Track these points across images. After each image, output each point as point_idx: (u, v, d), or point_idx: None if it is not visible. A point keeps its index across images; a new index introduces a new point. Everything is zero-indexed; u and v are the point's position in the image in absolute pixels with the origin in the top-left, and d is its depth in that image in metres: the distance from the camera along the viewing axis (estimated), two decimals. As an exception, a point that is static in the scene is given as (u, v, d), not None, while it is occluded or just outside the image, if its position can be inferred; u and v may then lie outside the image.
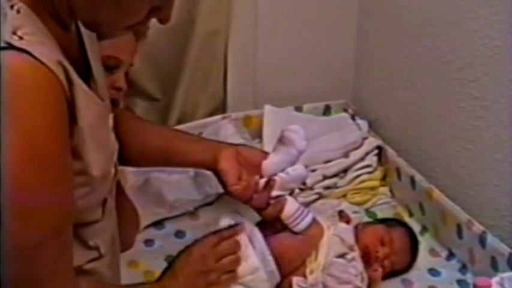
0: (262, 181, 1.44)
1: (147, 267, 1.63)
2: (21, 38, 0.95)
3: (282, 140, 1.49)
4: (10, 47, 0.94)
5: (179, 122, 2.01)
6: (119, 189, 1.64)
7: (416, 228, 1.75)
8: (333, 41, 2.13)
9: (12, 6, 0.99)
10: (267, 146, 1.91)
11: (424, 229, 1.77)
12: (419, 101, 1.86)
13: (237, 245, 1.41)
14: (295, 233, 1.48)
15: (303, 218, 1.48)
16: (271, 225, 1.51)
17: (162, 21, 1.10)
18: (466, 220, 1.61)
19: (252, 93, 2.08)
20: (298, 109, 2.09)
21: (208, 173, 1.72)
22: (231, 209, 1.79)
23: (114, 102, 1.59)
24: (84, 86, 1.08)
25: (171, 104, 2.02)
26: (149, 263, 1.65)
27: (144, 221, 1.76)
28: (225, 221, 1.48)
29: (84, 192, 1.11)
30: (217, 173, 1.47)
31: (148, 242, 1.73)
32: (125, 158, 1.45)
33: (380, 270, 1.53)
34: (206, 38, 1.96)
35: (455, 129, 1.72)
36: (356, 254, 1.52)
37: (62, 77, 0.99)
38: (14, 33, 0.96)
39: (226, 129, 1.97)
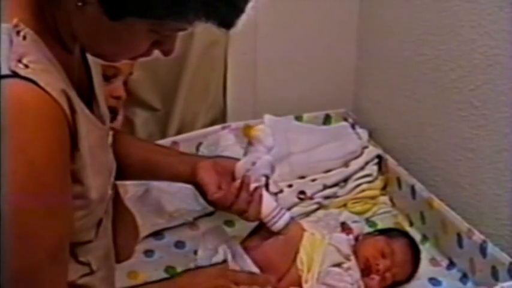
0: (238, 181, 1.46)
1: (147, 278, 1.62)
2: (26, 66, 0.95)
3: (250, 142, 1.52)
4: (15, 75, 0.93)
5: (179, 132, 2.00)
6: (118, 199, 1.65)
7: (416, 237, 1.75)
8: (332, 50, 2.13)
9: (18, 32, 0.98)
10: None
11: (425, 238, 1.76)
12: (420, 110, 1.85)
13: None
14: (276, 234, 1.50)
15: (280, 216, 1.50)
16: (260, 233, 1.54)
17: (165, 53, 1.11)
18: (466, 229, 1.60)
19: (252, 102, 2.08)
20: (298, 118, 2.08)
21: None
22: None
23: (113, 111, 1.58)
24: (87, 111, 1.09)
25: (170, 114, 2.02)
26: (149, 274, 1.64)
27: (143, 232, 1.75)
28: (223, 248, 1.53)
29: (81, 214, 1.12)
30: (197, 185, 1.49)
31: (148, 253, 1.72)
32: None
33: (377, 278, 1.53)
34: (205, 47, 1.96)
35: (456, 138, 1.71)
36: (352, 263, 1.53)
37: (65, 106, 0.99)
38: (19, 61, 0.95)
39: (226, 139, 1.97)
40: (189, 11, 0.98)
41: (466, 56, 1.62)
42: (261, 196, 1.48)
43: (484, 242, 1.55)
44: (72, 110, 1.01)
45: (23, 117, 0.94)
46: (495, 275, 1.51)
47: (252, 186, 1.46)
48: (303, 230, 1.56)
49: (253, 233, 1.58)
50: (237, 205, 1.46)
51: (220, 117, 2.08)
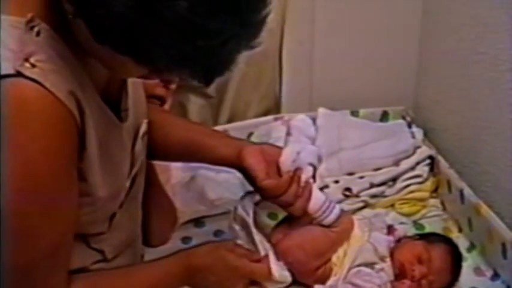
0: (291, 171, 1.38)
1: (180, 265, 1.61)
2: (33, 65, 0.93)
3: (289, 132, 1.45)
4: (20, 75, 0.92)
5: (230, 120, 1.99)
6: (155, 184, 1.65)
7: (464, 244, 1.68)
8: (394, 45, 2.06)
9: (32, 28, 0.95)
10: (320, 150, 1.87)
11: (472, 246, 1.68)
12: (475, 112, 1.77)
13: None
14: (326, 226, 1.44)
15: (331, 210, 1.42)
16: (298, 220, 1.46)
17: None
18: (511, 239, 1.51)
19: (308, 95, 2.03)
20: (355, 113, 2.03)
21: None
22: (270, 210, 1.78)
23: (161, 100, 1.58)
24: (104, 107, 1.09)
25: (223, 102, 2.00)
26: (183, 261, 1.63)
27: (183, 218, 1.75)
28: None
29: (88, 210, 1.12)
30: (243, 170, 1.41)
31: (186, 240, 1.72)
32: (148, 151, 1.46)
33: (407, 283, 1.46)
34: (259, 35, 1.93)
35: (508, 143, 1.62)
36: (386, 265, 1.47)
37: (72, 107, 0.98)
38: (27, 59, 0.93)
39: (278, 131, 1.93)
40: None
41: (522, 56, 1.53)
42: (310, 192, 1.40)
43: (527, 254, 1.46)
44: (81, 111, 1.00)
45: (23, 116, 0.93)
46: (534, 290, 1.43)
47: (303, 178, 1.39)
48: (353, 222, 1.49)
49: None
50: (286, 196, 1.38)
51: (274, 108, 2.05)
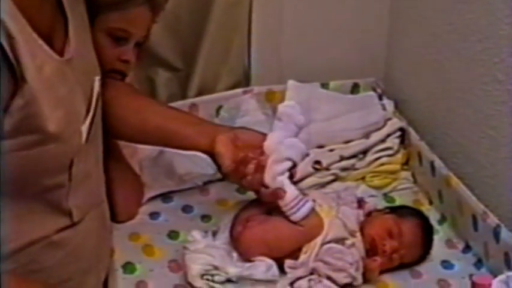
0: (252, 166, 1.41)
1: (148, 241, 1.59)
2: None
3: (278, 117, 1.44)
4: None
5: (199, 94, 1.94)
6: (119, 159, 1.63)
7: (435, 216, 1.67)
8: (364, 16, 2.03)
9: None
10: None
11: (443, 218, 1.67)
12: (446, 82, 1.75)
13: None
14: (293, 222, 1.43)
15: (299, 208, 1.42)
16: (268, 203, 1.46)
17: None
18: (482, 211, 1.50)
19: (277, 67, 2.00)
20: (325, 86, 2.00)
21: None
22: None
23: (122, 74, 1.55)
24: (40, 42, 1.08)
25: (191, 75, 1.96)
26: (151, 236, 1.60)
27: (150, 192, 1.72)
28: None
29: (40, 150, 1.09)
30: (213, 158, 1.45)
31: (154, 215, 1.69)
32: (122, 134, 1.50)
33: (379, 260, 1.44)
34: (227, 8, 1.88)
35: (479, 114, 1.61)
36: (356, 240, 1.45)
37: None
38: None
39: (248, 104, 1.92)
40: None
41: (493, 26, 1.51)
42: (279, 195, 1.42)
43: (498, 226, 1.44)
44: (9, 36, 1.00)
45: None
46: (508, 262, 1.41)
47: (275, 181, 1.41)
48: (322, 222, 1.46)
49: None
50: (248, 182, 1.42)
51: (244, 81, 2.01)
